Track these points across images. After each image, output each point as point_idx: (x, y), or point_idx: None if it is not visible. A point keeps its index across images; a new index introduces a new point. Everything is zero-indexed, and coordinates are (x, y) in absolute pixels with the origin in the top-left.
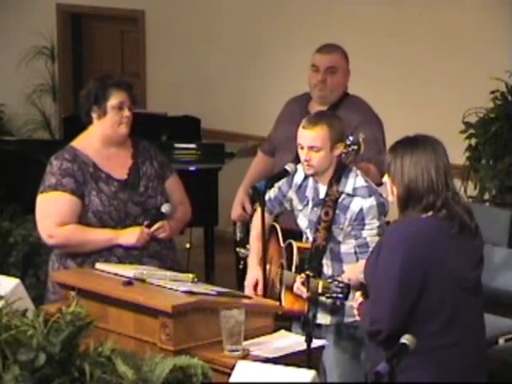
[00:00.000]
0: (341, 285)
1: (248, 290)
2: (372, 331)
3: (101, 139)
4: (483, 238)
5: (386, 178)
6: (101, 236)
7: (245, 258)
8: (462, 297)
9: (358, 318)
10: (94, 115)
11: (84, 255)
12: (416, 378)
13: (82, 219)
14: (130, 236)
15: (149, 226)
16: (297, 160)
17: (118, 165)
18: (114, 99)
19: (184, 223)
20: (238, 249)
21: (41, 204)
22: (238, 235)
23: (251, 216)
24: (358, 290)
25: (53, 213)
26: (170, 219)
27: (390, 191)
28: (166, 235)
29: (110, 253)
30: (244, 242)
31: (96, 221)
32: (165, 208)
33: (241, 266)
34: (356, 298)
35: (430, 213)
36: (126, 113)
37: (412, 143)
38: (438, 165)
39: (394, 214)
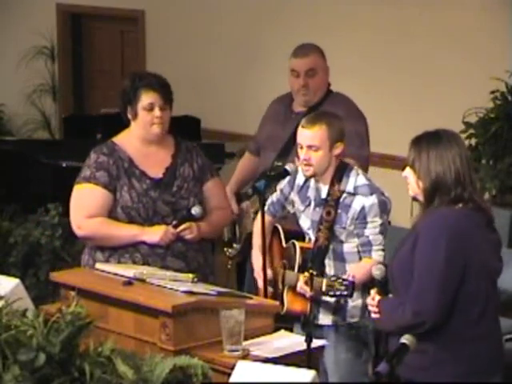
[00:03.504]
0: (345, 282)
1: (259, 277)
2: (415, 324)
3: (138, 138)
4: None
5: (407, 173)
6: (126, 231)
7: (232, 258)
8: (490, 288)
9: (357, 319)
10: (129, 116)
11: (111, 249)
12: (451, 373)
13: (112, 213)
14: (154, 234)
15: (176, 226)
16: (280, 157)
17: (156, 163)
18: (144, 100)
19: (220, 228)
20: (225, 248)
21: (75, 195)
22: (226, 235)
23: (238, 215)
24: (372, 287)
25: (84, 205)
26: (201, 221)
27: (414, 185)
28: (192, 237)
29: (135, 249)
30: (231, 242)
31: (124, 216)
32: (195, 210)
33: (229, 266)
34: (372, 296)
35: (460, 205)
36: (157, 113)
37: (435, 137)
38: (462, 157)
39: (395, 213)
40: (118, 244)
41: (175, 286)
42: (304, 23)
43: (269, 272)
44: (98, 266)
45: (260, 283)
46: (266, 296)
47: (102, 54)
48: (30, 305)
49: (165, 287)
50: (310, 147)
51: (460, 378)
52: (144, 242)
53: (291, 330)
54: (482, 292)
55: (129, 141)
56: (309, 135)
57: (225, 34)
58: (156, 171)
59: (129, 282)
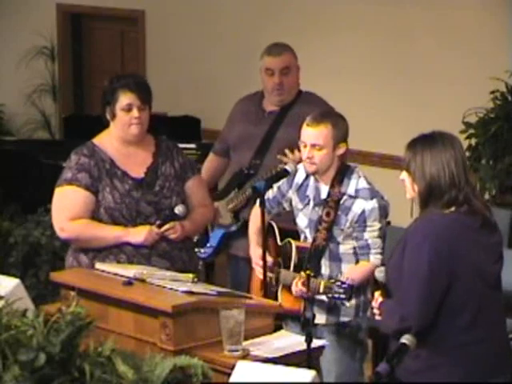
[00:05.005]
0: (344, 285)
1: (258, 266)
2: (401, 329)
3: (117, 139)
4: None
5: (404, 176)
6: (110, 233)
7: (204, 259)
8: (486, 291)
9: (351, 318)
10: (108, 116)
11: (95, 251)
12: (447, 376)
13: (95, 215)
14: (138, 234)
15: (160, 226)
16: (257, 155)
17: (137, 163)
18: (122, 101)
19: (203, 225)
20: (196, 249)
21: (56, 197)
22: (196, 236)
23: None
24: (376, 289)
25: (66, 207)
26: (185, 220)
27: (410, 188)
28: (176, 236)
29: (120, 250)
30: (202, 242)
31: (107, 217)
32: (178, 209)
33: (199, 267)
34: (376, 298)
35: (453, 208)
36: (135, 114)
37: (430, 140)
38: (457, 160)
39: (395, 214)
40: (103, 245)
41: (175, 286)
42: (304, 23)
43: (269, 259)
44: (98, 266)
45: (258, 271)
46: (265, 296)
47: (102, 53)
48: (30, 305)
49: (165, 287)
50: (313, 146)
51: (458, 379)
52: (128, 243)
53: (281, 327)
54: (475, 295)
55: (109, 141)
56: (313, 134)
57: (225, 33)
58: (137, 171)
59: (129, 282)
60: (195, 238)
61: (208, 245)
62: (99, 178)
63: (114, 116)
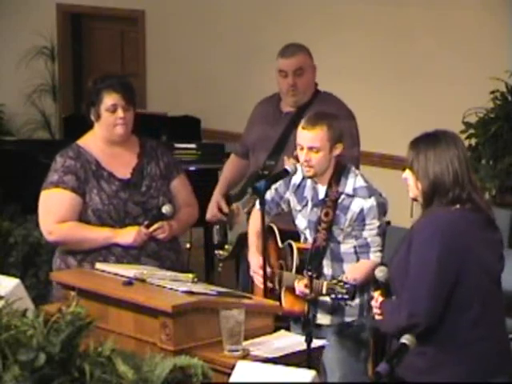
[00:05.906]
0: (347, 285)
1: (257, 275)
2: (410, 325)
3: (102, 140)
4: None
5: (406, 174)
6: (99, 234)
7: (224, 260)
8: (491, 287)
9: (355, 318)
10: (93, 117)
11: (84, 253)
12: (451, 375)
13: (83, 217)
14: (127, 235)
15: (148, 226)
16: (271, 157)
17: (122, 164)
18: (106, 102)
19: (189, 225)
20: (216, 251)
21: (43, 200)
22: (216, 238)
23: (226, 215)
24: (376, 289)
25: (53, 209)
26: (172, 220)
27: (413, 187)
28: (164, 236)
29: (109, 251)
30: (222, 244)
31: (95, 219)
32: (165, 209)
33: (219, 269)
34: (376, 298)
35: (458, 205)
36: (120, 114)
37: (433, 138)
38: (460, 158)
39: (395, 213)
40: (91, 247)
41: (175, 286)
42: (304, 23)
43: (268, 269)
44: (98, 266)
45: (257, 280)
46: (265, 292)
47: (102, 53)
48: (30, 305)
49: (165, 287)
50: (310, 148)
51: (462, 379)
52: (117, 244)
53: (287, 329)
54: (481, 292)
55: (94, 143)
56: (309, 136)
57: (225, 33)
58: (123, 172)
59: (129, 282)
60: (216, 240)
61: (226, 246)
62: (86, 180)
63: (98, 117)
